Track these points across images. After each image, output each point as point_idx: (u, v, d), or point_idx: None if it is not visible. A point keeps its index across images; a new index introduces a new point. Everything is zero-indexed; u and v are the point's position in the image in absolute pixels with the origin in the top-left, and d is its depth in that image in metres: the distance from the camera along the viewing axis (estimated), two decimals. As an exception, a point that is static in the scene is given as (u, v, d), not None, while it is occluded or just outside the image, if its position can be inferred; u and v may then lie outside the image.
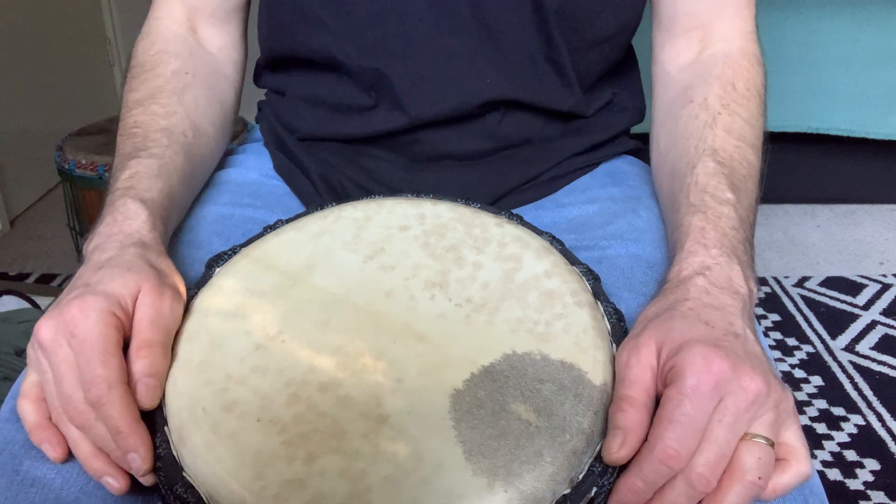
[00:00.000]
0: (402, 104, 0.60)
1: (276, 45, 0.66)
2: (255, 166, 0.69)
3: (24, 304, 1.39)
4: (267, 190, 0.66)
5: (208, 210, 0.62)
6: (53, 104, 2.17)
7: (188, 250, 0.58)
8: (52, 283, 1.76)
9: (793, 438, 0.40)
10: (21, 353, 1.21)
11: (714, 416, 0.37)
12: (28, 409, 0.44)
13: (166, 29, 0.64)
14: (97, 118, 1.63)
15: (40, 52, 2.11)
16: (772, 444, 0.38)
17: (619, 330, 0.45)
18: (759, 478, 0.37)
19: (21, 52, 2.03)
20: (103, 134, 1.53)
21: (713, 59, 0.59)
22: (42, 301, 1.42)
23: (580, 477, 0.38)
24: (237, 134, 1.46)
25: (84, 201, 1.47)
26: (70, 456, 0.43)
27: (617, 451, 0.38)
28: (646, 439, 0.38)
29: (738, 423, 0.38)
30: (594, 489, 0.38)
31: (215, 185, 0.66)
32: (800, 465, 0.39)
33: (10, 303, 1.39)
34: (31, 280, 1.77)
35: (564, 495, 0.38)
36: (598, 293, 0.47)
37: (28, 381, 0.44)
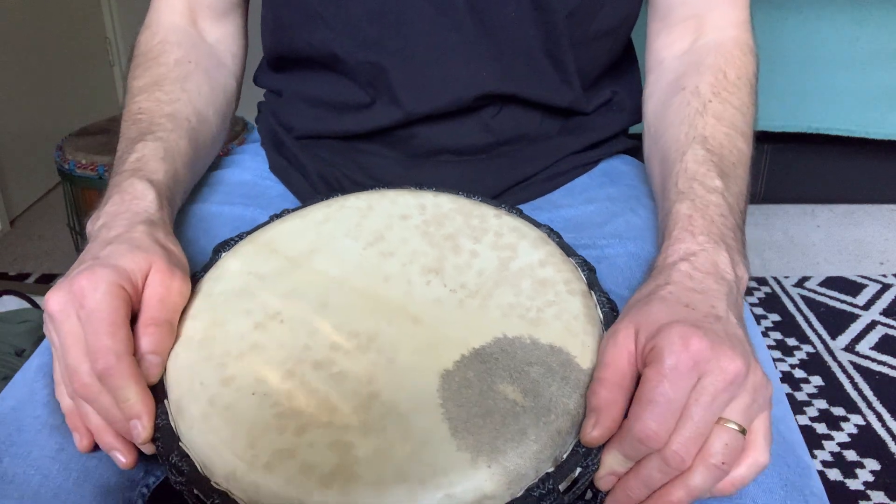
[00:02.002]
0: (398, 99, 0.60)
1: (276, 44, 0.66)
2: (249, 167, 0.69)
3: (24, 304, 1.39)
4: (259, 191, 0.67)
5: (197, 207, 0.63)
6: (53, 104, 2.17)
7: None
8: (52, 283, 1.75)
9: (758, 426, 0.40)
10: (21, 353, 1.21)
11: (692, 395, 0.38)
12: (65, 396, 0.44)
13: (168, 20, 0.66)
14: (97, 118, 1.64)
15: (40, 52, 2.11)
16: (743, 431, 0.38)
17: (612, 319, 0.45)
18: (723, 462, 0.38)
19: (21, 52, 2.03)
20: (103, 134, 1.53)
21: (706, 48, 0.60)
22: (42, 301, 1.42)
23: (564, 456, 0.39)
24: (237, 134, 1.46)
25: (84, 201, 1.48)
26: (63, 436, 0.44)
27: (591, 431, 0.38)
28: (626, 418, 0.39)
29: (715, 403, 0.38)
30: (578, 469, 0.39)
31: (209, 184, 0.67)
32: (756, 454, 0.39)
33: (10, 303, 1.39)
34: (31, 280, 1.77)
35: (548, 473, 0.38)
36: (593, 284, 0.47)
37: (58, 367, 0.45)
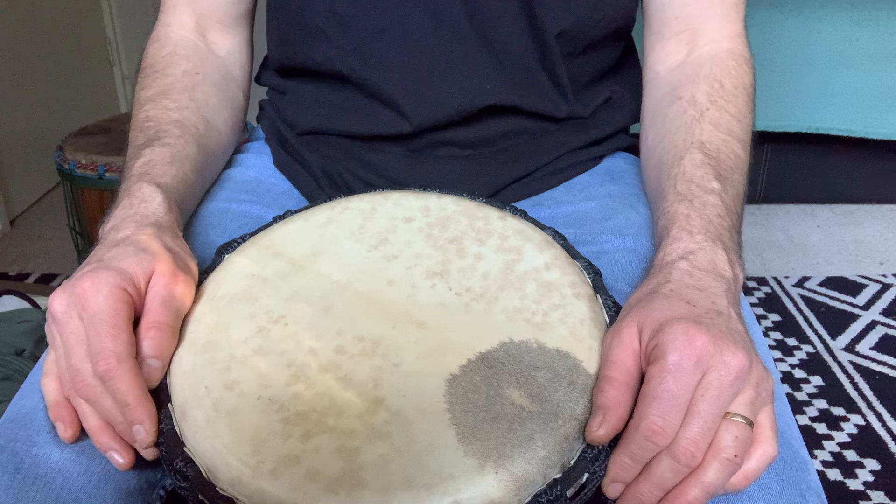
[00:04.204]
0: (405, 113, 0.61)
1: (282, 57, 0.67)
2: (254, 164, 0.70)
3: (24, 304, 1.38)
4: (265, 188, 0.67)
5: (204, 206, 0.63)
6: (53, 104, 2.17)
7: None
8: (52, 283, 1.75)
9: (763, 419, 0.40)
10: (21, 353, 1.21)
11: (697, 391, 0.38)
12: (50, 387, 0.45)
13: (176, 34, 0.66)
14: (97, 118, 1.64)
15: (40, 52, 2.11)
16: (750, 424, 0.38)
17: None
18: (735, 455, 0.38)
19: (21, 52, 2.03)
20: (103, 134, 1.53)
21: (701, 59, 0.60)
22: (42, 301, 1.41)
23: (572, 462, 0.39)
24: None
25: (84, 201, 1.47)
26: (80, 438, 0.44)
27: (597, 429, 0.38)
28: (631, 417, 0.39)
29: (721, 397, 0.38)
30: (585, 475, 0.39)
31: (215, 182, 0.67)
32: (765, 446, 0.40)
33: (10, 303, 1.39)
34: (31, 280, 1.77)
35: (555, 479, 0.38)
36: (599, 287, 0.47)
37: (49, 359, 0.45)
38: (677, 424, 0.37)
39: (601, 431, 0.38)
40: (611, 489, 0.39)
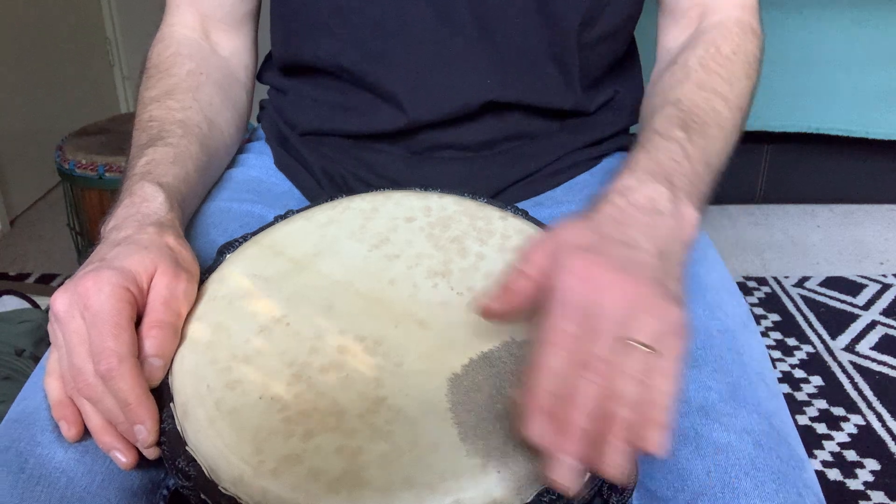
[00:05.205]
0: (403, 107, 0.61)
1: (285, 54, 0.67)
2: (256, 164, 0.70)
3: (24, 304, 1.39)
4: (266, 187, 0.67)
5: (205, 205, 0.63)
6: (53, 104, 2.17)
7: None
8: (51, 283, 1.75)
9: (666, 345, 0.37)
10: (21, 353, 1.21)
11: (594, 313, 0.36)
12: (53, 386, 0.45)
13: (180, 34, 0.66)
14: (97, 118, 1.64)
15: (40, 53, 2.11)
16: (652, 350, 0.36)
17: None
18: (643, 377, 0.35)
19: (21, 52, 2.03)
20: (103, 134, 1.53)
21: (707, 28, 0.60)
22: (42, 301, 1.41)
23: None
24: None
25: (84, 201, 1.48)
26: (83, 437, 0.44)
27: (491, 303, 0.40)
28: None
29: (617, 322, 0.36)
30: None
31: (216, 182, 0.67)
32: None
33: (10, 303, 1.39)
34: (31, 280, 1.77)
35: None
36: None
37: (52, 358, 0.45)
38: (570, 333, 0.36)
39: (495, 305, 0.40)
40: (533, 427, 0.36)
